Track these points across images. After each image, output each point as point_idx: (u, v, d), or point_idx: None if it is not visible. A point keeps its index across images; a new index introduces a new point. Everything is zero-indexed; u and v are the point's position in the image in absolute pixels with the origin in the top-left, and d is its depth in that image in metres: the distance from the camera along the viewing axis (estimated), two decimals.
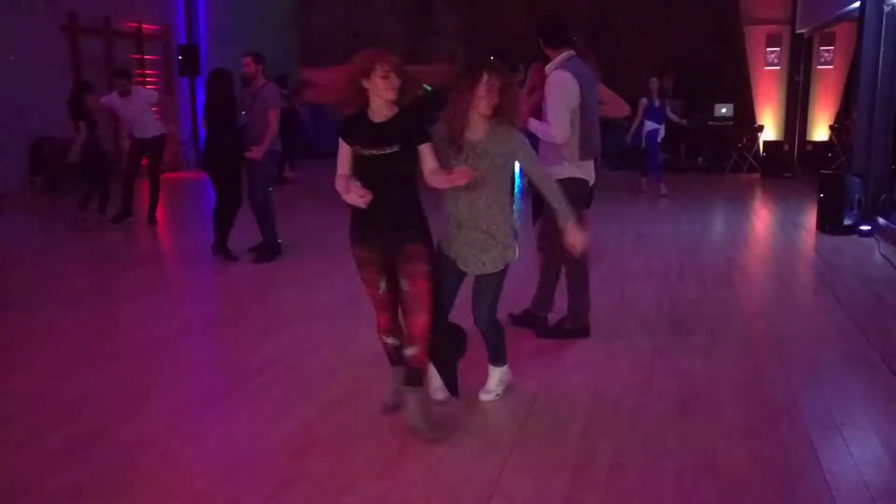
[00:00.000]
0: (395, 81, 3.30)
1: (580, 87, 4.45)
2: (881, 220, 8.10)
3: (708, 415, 3.74)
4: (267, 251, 7.05)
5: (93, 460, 3.30)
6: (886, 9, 8.28)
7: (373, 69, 3.28)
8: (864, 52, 8.54)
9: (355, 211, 3.46)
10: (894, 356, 4.49)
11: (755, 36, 13.92)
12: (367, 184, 3.37)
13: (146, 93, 9.13)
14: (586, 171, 4.63)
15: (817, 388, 4.08)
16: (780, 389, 4.06)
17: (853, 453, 3.33)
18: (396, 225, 3.43)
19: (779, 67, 13.95)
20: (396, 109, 3.39)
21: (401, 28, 17.99)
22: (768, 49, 13.93)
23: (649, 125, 11.11)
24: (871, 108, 8.51)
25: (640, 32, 16.14)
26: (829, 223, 8.30)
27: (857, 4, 9.05)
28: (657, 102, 11.14)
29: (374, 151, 3.35)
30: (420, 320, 3.47)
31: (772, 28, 13.80)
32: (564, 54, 4.58)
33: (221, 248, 7.03)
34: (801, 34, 13.45)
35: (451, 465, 3.24)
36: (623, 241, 7.98)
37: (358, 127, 3.42)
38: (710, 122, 14.50)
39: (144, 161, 8.89)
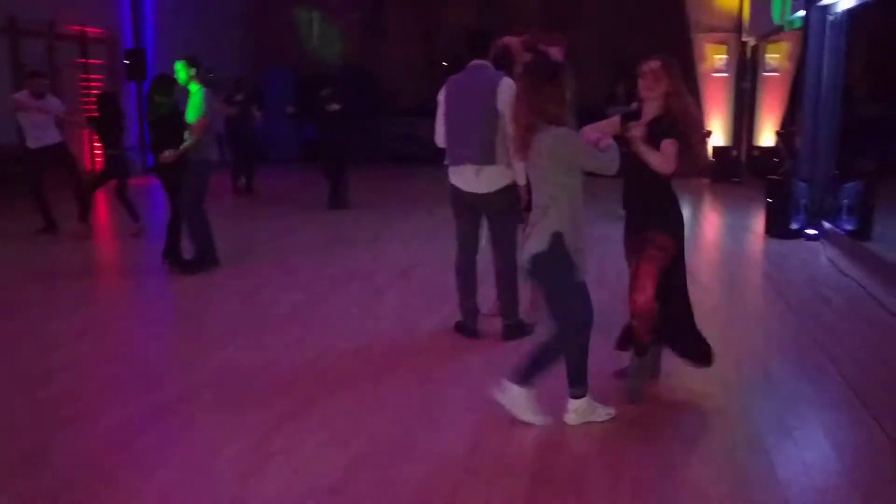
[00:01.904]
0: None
1: (447, 94, 4.74)
2: (826, 225, 8.26)
3: (663, 422, 3.73)
4: (194, 263, 6.75)
5: (27, 485, 3.15)
6: (830, 18, 8.47)
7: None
8: (808, 61, 8.71)
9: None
10: (843, 360, 4.56)
11: (705, 44, 14.14)
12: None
13: (56, 101, 8.64)
14: (456, 178, 4.75)
15: (770, 392, 4.11)
16: (734, 395, 4.09)
17: (805, 458, 3.36)
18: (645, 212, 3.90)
19: (727, 74, 14.18)
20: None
21: (354, 30, 17.87)
22: (716, 56, 14.16)
23: None
24: (816, 115, 8.68)
25: (591, 39, 16.29)
26: (776, 227, 8.44)
27: (801, 13, 9.24)
28: None
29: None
30: (637, 299, 3.81)
31: (720, 36, 14.02)
32: (471, 63, 4.77)
33: (173, 258, 6.85)
34: (748, 42, 13.72)
35: (405, 482, 3.17)
36: None
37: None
38: None
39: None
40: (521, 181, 4.60)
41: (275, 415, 3.79)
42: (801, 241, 8.20)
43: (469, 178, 4.68)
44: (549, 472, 3.24)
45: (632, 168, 3.81)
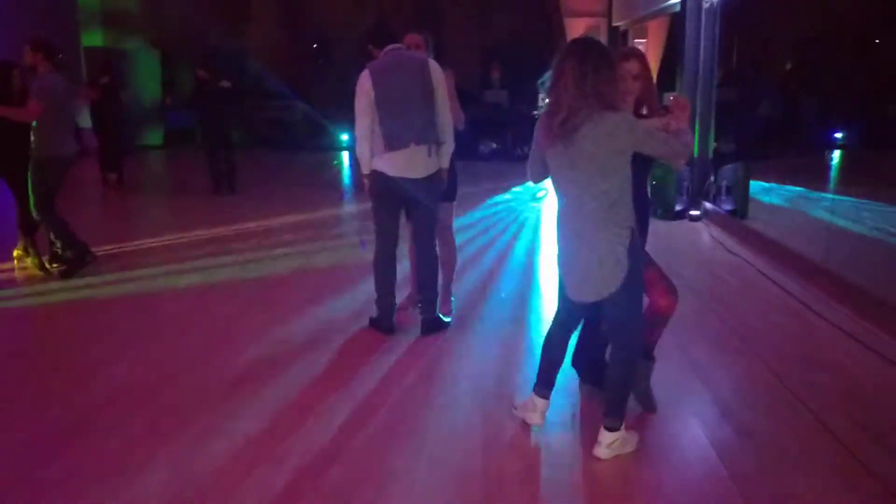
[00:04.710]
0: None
1: (373, 81, 4.39)
2: (707, 205, 8.60)
3: (593, 414, 3.65)
4: (73, 262, 6.17)
5: None
6: (705, 5, 8.78)
7: None
8: (686, 46, 9.00)
9: None
10: (754, 340, 4.68)
11: (575, 28, 14.43)
12: None
13: None
14: (388, 164, 4.46)
15: (699, 381, 4.10)
16: (665, 386, 3.90)
17: (755, 449, 3.38)
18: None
19: None
20: None
21: (215, 11, 17.00)
22: None
23: None
24: (694, 99, 8.98)
25: (465, 21, 16.33)
26: (662, 209, 8.69)
27: (673, 0, 9.56)
28: None
29: None
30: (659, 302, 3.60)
31: (590, 21, 14.37)
32: (385, 49, 4.51)
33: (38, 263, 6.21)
34: (618, 27, 14.11)
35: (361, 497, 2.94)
36: (468, 232, 7.92)
37: None
38: (536, 112, 14.88)
39: None
40: (446, 164, 4.59)
41: (194, 435, 3.43)
42: (686, 222, 8.49)
43: (414, 161, 4.44)
44: (502, 474, 3.10)
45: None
